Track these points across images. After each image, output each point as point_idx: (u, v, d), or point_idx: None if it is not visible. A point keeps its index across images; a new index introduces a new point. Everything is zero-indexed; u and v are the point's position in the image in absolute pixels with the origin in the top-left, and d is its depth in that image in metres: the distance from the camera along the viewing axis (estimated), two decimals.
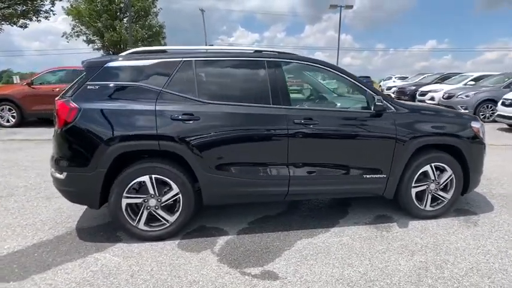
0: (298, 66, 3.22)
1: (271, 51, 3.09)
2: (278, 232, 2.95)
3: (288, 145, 2.81)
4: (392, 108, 3.03)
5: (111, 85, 2.68)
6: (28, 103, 8.84)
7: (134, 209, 2.75)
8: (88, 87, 2.64)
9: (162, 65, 2.78)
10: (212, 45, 31.57)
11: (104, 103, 2.62)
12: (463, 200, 3.58)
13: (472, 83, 12.54)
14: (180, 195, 2.73)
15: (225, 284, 2.21)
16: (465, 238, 2.84)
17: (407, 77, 23.57)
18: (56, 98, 2.78)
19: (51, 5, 18.41)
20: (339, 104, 3.65)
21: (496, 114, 9.14)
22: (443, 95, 11.54)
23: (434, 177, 3.15)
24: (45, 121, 9.69)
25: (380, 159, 3.01)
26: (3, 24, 18.13)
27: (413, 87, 15.61)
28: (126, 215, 2.69)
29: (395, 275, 2.32)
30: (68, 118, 2.56)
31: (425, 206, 3.19)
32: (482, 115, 10.12)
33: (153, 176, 2.66)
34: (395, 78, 26.30)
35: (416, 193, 3.16)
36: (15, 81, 11.37)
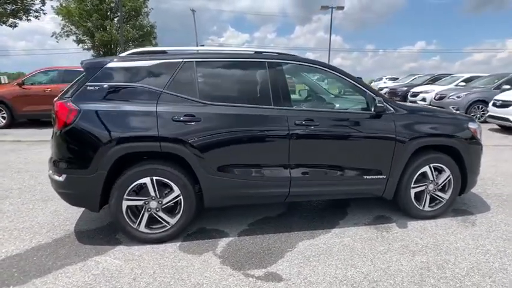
0: (298, 67, 3.23)
1: (271, 53, 3.09)
2: (279, 233, 2.95)
3: (289, 146, 2.82)
4: (392, 109, 3.06)
5: (111, 86, 2.64)
6: (19, 104, 8.68)
7: (135, 211, 2.72)
8: (88, 88, 2.60)
9: (162, 65, 2.75)
10: (203, 45, 31.50)
11: (104, 104, 2.58)
12: (459, 200, 3.63)
13: (463, 84, 12.74)
14: (181, 197, 2.71)
15: (229, 286, 2.19)
16: (464, 238, 2.88)
17: (398, 78, 23.86)
18: (55, 99, 2.74)
19: (41, 4, 18.14)
20: (337, 105, 3.67)
21: (487, 114, 9.31)
22: (435, 96, 11.70)
23: (433, 177, 3.19)
24: (35, 122, 9.54)
25: (380, 160, 3.03)
26: None
27: (405, 88, 15.80)
28: (126, 218, 2.65)
29: (398, 275, 2.34)
30: (68, 119, 2.52)
31: (424, 206, 3.22)
32: (473, 116, 10.28)
33: (154, 178, 2.63)
34: (386, 79, 26.59)
35: (415, 194, 3.19)
36: (2, 81, 11.11)
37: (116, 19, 27.66)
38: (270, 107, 2.83)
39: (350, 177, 3.03)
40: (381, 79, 27.60)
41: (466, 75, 13.68)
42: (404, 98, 14.69)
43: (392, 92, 16.36)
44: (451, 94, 10.97)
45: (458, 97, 10.64)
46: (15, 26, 18.11)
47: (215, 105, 2.74)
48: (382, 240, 2.83)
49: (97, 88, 2.62)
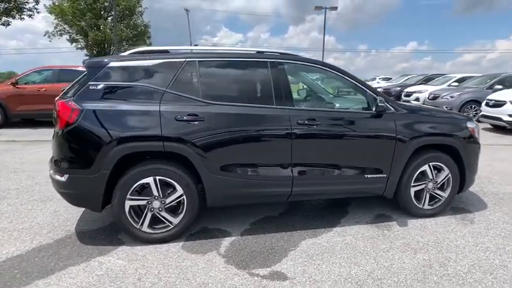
0: (300, 67, 3.24)
1: (273, 52, 3.10)
2: (281, 232, 2.96)
3: (291, 146, 2.83)
4: (392, 109, 3.09)
5: (113, 85, 2.63)
6: (13, 103, 8.56)
7: (137, 211, 2.70)
8: (90, 87, 2.58)
9: (165, 65, 2.75)
10: (197, 45, 31.34)
11: (106, 103, 2.57)
12: (457, 198, 3.67)
13: (456, 84, 12.92)
14: (184, 196, 2.70)
15: (235, 286, 2.20)
16: (464, 236, 2.93)
17: (391, 78, 24.06)
18: (56, 98, 2.71)
19: (35, 3, 17.90)
20: (337, 105, 3.69)
21: (480, 114, 9.44)
22: (429, 96, 11.84)
23: (432, 176, 3.23)
24: (29, 122, 9.42)
25: (381, 159, 3.06)
26: None
27: (399, 88, 15.97)
28: (129, 218, 2.64)
29: (401, 273, 2.36)
30: (70, 119, 2.50)
31: (423, 204, 3.26)
32: (466, 115, 10.42)
33: (158, 177, 2.63)
34: (379, 79, 26.76)
35: (415, 192, 3.23)
36: None
37: (109, 18, 27.41)
38: (273, 106, 2.84)
39: (351, 176, 3.05)
40: (374, 79, 27.77)
41: (459, 76, 13.87)
42: (398, 98, 14.82)
43: (386, 92, 16.43)
44: (444, 94, 11.11)
45: (451, 97, 10.77)
46: (8, 25, 17.87)
47: (218, 104, 2.74)
48: (383, 239, 2.86)
49: (99, 87, 2.60)
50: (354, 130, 3.01)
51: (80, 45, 28.18)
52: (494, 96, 9.01)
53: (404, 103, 3.61)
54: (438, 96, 11.20)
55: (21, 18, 17.88)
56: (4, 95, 8.55)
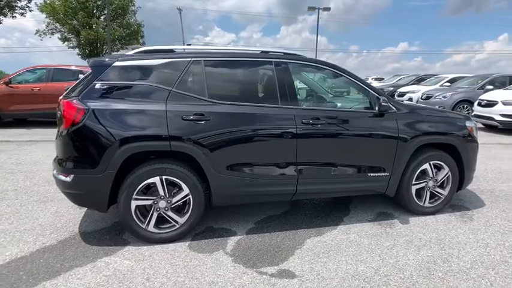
0: (303, 66, 3.27)
1: (277, 52, 3.12)
2: (286, 231, 2.98)
3: (296, 145, 2.85)
4: (394, 108, 3.14)
5: (119, 84, 2.62)
6: (5, 103, 8.43)
7: (143, 211, 2.70)
8: (96, 86, 2.57)
9: (171, 64, 2.74)
10: (190, 44, 31.16)
11: (112, 103, 2.56)
12: (455, 196, 3.74)
13: (448, 84, 13.12)
14: (190, 196, 2.70)
15: (245, 284, 2.21)
16: (464, 232, 2.99)
17: (383, 78, 24.30)
18: (60, 98, 2.69)
19: (27, 1, 17.62)
20: (338, 104, 3.73)
21: (472, 114, 9.60)
22: (422, 96, 12.01)
23: (433, 174, 3.29)
24: (22, 122, 9.29)
25: (383, 157, 3.11)
26: None
27: (391, 88, 16.14)
28: (135, 218, 2.63)
29: (407, 269, 2.40)
30: (76, 119, 2.48)
31: (424, 202, 3.32)
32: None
33: (164, 177, 2.62)
34: (371, 79, 27.00)
35: (416, 190, 3.28)
36: None
37: (102, 17, 27.10)
38: (278, 105, 2.86)
39: (354, 175, 3.09)
40: (366, 79, 27.95)
41: (451, 76, 14.10)
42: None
43: None
44: (437, 94, 11.28)
45: (444, 97, 10.94)
46: (0, 23, 17.56)
47: (224, 104, 2.75)
48: (387, 236, 2.90)
49: (105, 87, 2.59)
50: (357, 129, 3.04)
51: (72, 44, 27.83)
52: (487, 96, 9.19)
53: (404, 102, 3.66)
54: (431, 96, 11.37)
55: (13, 17, 17.60)
56: None
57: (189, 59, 2.76)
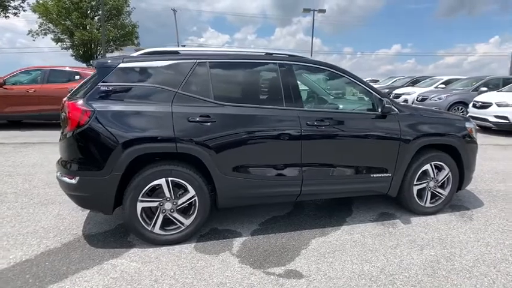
0: (307, 68, 3.29)
1: (281, 54, 3.14)
2: (291, 232, 3.00)
3: (301, 146, 2.88)
4: (396, 110, 3.18)
5: (124, 86, 2.61)
6: (0, 105, 8.31)
7: (148, 213, 2.69)
8: (101, 88, 2.56)
9: (176, 66, 2.75)
10: (184, 45, 31.13)
11: (117, 105, 2.55)
12: (455, 196, 3.79)
13: (443, 86, 13.29)
14: (196, 197, 2.71)
15: (253, 285, 2.22)
16: (465, 232, 3.04)
17: (378, 80, 24.51)
18: (64, 99, 2.68)
19: (21, 1, 17.44)
20: (340, 106, 3.77)
21: (467, 115, 9.73)
22: (417, 98, 12.15)
23: (434, 175, 3.34)
24: (16, 124, 9.17)
25: (386, 158, 3.15)
26: None
27: (387, 90, 16.28)
28: (141, 220, 2.63)
29: (412, 268, 2.44)
30: (81, 120, 2.47)
31: (425, 202, 3.37)
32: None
33: (170, 178, 2.63)
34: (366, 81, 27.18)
35: (417, 191, 3.33)
36: None
37: (96, 18, 26.94)
38: (282, 107, 2.88)
39: (358, 176, 3.13)
40: None
41: (445, 78, 14.29)
42: None
43: None
44: (432, 96, 11.42)
45: (439, 99, 11.08)
46: None
47: (229, 105, 2.76)
48: (390, 236, 2.94)
49: (110, 88, 2.58)
50: (360, 131, 3.08)
51: (65, 45, 27.61)
52: (481, 98, 9.33)
53: (406, 104, 3.72)
54: (426, 98, 11.51)
55: (5, 17, 17.40)
56: None
57: (194, 61, 2.77)
